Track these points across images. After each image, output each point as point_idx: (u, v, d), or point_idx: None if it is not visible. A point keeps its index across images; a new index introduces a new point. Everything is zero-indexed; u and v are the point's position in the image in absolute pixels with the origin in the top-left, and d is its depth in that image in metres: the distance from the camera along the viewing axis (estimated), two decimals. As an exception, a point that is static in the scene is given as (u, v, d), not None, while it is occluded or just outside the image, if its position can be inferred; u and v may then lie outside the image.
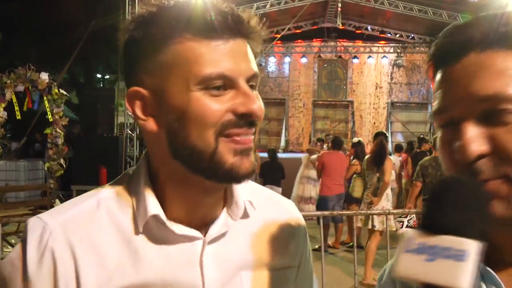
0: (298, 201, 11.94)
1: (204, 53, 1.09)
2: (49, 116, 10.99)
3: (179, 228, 1.17)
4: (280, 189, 12.59)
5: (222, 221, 1.23)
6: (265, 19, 1.22)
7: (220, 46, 1.10)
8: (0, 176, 11.52)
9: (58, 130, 10.88)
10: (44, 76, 10.60)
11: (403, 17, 20.32)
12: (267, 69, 25.23)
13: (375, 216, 7.60)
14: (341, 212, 8.46)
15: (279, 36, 21.60)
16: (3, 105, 10.28)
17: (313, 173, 11.47)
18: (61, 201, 9.58)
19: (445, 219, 0.89)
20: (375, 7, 20.04)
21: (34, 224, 1.13)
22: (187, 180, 1.16)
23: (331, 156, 10.31)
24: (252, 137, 1.15)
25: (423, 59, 24.54)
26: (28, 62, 10.71)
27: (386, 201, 8.36)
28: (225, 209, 1.25)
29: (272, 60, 25.15)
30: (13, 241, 9.49)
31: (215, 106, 1.08)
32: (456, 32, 1.05)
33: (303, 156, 13.33)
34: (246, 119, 1.11)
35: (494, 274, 1.06)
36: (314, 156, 11.86)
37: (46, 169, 11.43)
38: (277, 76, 25.47)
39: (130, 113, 1.25)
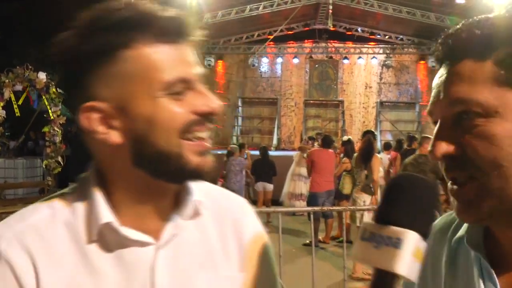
0: (289, 197, 11.99)
1: (163, 59, 1.09)
2: (50, 114, 11.01)
3: (132, 234, 1.15)
4: (271, 186, 12.66)
5: (174, 224, 1.22)
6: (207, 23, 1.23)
7: (175, 50, 1.11)
8: None
9: (56, 129, 10.91)
10: (42, 75, 10.60)
11: (392, 19, 20.44)
12: (260, 69, 25.30)
13: (365, 213, 7.63)
14: (330, 208, 8.53)
15: (271, 37, 21.74)
16: (2, 104, 10.31)
17: (304, 170, 11.51)
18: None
19: (391, 213, 0.97)
20: (365, 9, 20.17)
21: None
22: (147, 186, 1.15)
23: (320, 154, 10.37)
24: (210, 133, 1.16)
25: (412, 60, 24.68)
26: (26, 61, 10.70)
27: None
28: (176, 211, 1.24)
29: (264, 60, 25.10)
30: None
31: (180, 110, 1.09)
32: (442, 41, 1.09)
33: (294, 154, 13.42)
34: (207, 118, 1.13)
35: (493, 272, 1.09)
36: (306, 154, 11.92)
37: (44, 166, 11.46)
38: (270, 76, 25.49)
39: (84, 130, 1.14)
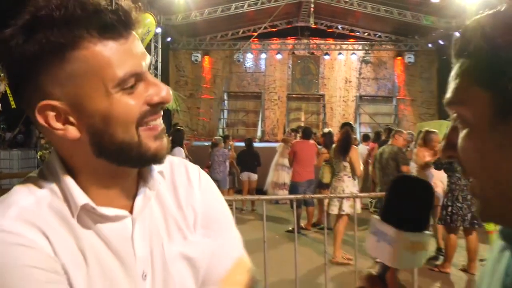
0: (272, 186, 11.98)
1: (112, 56, 1.06)
2: None
3: (108, 211, 1.16)
4: (256, 176, 12.68)
5: (142, 195, 1.23)
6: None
7: (123, 45, 1.08)
8: None
9: None
10: None
11: (371, 17, 20.46)
12: (244, 65, 25.27)
13: (344, 201, 7.73)
14: (312, 196, 8.57)
15: (256, 34, 21.59)
16: None
17: (287, 161, 11.55)
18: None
19: (388, 211, 1.02)
20: (346, 8, 20.17)
21: None
22: (112, 172, 1.16)
23: (302, 145, 10.39)
24: (161, 119, 1.17)
25: (389, 55, 24.79)
26: None
27: (353, 187, 8.47)
28: (142, 184, 1.24)
29: (249, 56, 25.13)
30: None
31: (134, 102, 1.09)
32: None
33: (278, 145, 13.36)
34: (159, 106, 1.14)
35: None
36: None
37: (38, 157, 11.33)
38: (254, 71, 25.45)
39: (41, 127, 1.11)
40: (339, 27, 23.94)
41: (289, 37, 24.75)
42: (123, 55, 1.07)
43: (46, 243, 1.06)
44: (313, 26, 22.49)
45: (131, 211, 1.20)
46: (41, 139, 11.03)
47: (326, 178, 9.76)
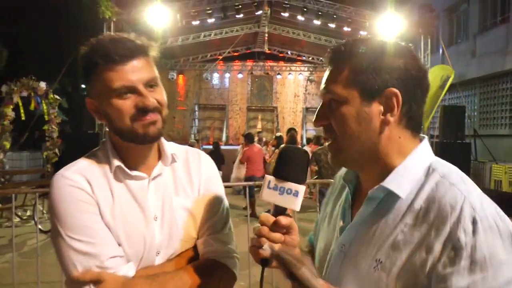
0: (236, 181, 11.92)
1: (113, 75, 1.25)
2: (46, 116, 10.77)
3: (133, 172, 1.36)
4: (221, 172, 12.81)
5: (159, 167, 1.41)
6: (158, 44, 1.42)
7: (122, 67, 1.26)
8: (8, 163, 11.28)
9: (53, 127, 10.78)
10: (43, 84, 10.51)
11: (314, 45, 20.03)
12: (212, 82, 25.13)
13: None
14: (258, 183, 8.78)
15: (221, 57, 21.53)
16: (12, 106, 10.16)
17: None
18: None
19: (288, 172, 1.09)
20: (293, 37, 20.18)
21: (57, 176, 1.32)
22: (127, 146, 1.35)
23: (252, 151, 10.43)
24: (155, 115, 1.31)
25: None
26: (29, 73, 10.46)
27: None
28: (160, 160, 1.43)
29: (216, 75, 25.06)
30: (19, 213, 9.18)
31: (125, 105, 1.27)
32: (327, 53, 1.15)
33: (239, 147, 13.46)
34: (145, 109, 1.28)
35: (350, 196, 1.21)
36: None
37: (44, 157, 11.10)
38: (220, 88, 25.40)
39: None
40: (289, 52, 23.86)
41: (248, 60, 24.86)
42: (121, 74, 1.25)
43: (88, 186, 1.30)
44: (267, 51, 22.49)
45: (150, 176, 1.40)
46: (47, 142, 10.78)
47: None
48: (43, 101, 10.79)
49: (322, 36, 19.09)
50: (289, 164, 1.10)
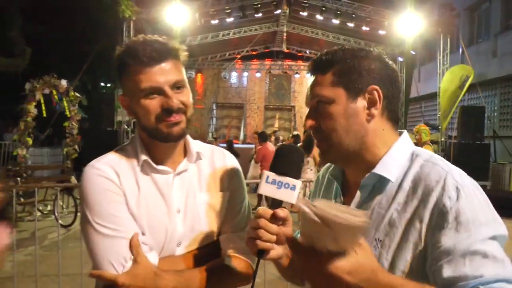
0: (252, 179, 11.89)
1: (142, 76, 1.32)
2: (67, 112, 10.90)
3: (159, 167, 1.43)
4: None
5: (184, 163, 1.47)
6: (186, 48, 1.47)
7: (150, 69, 1.32)
8: (30, 159, 11.44)
9: (73, 123, 10.91)
10: (64, 82, 10.67)
11: (332, 44, 19.43)
12: (230, 81, 25.15)
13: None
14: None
15: (239, 56, 21.45)
16: (34, 103, 10.27)
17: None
18: (76, 178, 9.60)
19: (285, 169, 1.17)
20: (312, 37, 20.06)
21: (88, 167, 1.39)
22: (153, 142, 1.42)
23: (266, 149, 10.44)
24: (180, 116, 1.37)
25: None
26: (51, 71, 10.72)
27: (312, 173, 8.58)
28: (185, 157, 1.49)
29: (234, 74, 25.09)
30: (40, 207, 9.27)
31: (151, 104, 1.34)
32: (311, 63, 1.28)
33: (253, 146, 13.43)
34: (170, 110, 1.35)
35: (340, 193, 1.31)
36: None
37: (64, 153, 11.25)
38: (238, 86, 25.37)
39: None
40: (307, 51, 23.40)
41: (266, 59, 24.69)
42: (148, 76, 1.32)
43: (116, 177, 1.38)
44: (286, 50, 22.49)
45: (175, 171, 1.46)
46: (67, 138, 10.90)
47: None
48: (63, 98, 10.93)
49: (340, 36, 18.99)
50: (286, 161, 1.19)
